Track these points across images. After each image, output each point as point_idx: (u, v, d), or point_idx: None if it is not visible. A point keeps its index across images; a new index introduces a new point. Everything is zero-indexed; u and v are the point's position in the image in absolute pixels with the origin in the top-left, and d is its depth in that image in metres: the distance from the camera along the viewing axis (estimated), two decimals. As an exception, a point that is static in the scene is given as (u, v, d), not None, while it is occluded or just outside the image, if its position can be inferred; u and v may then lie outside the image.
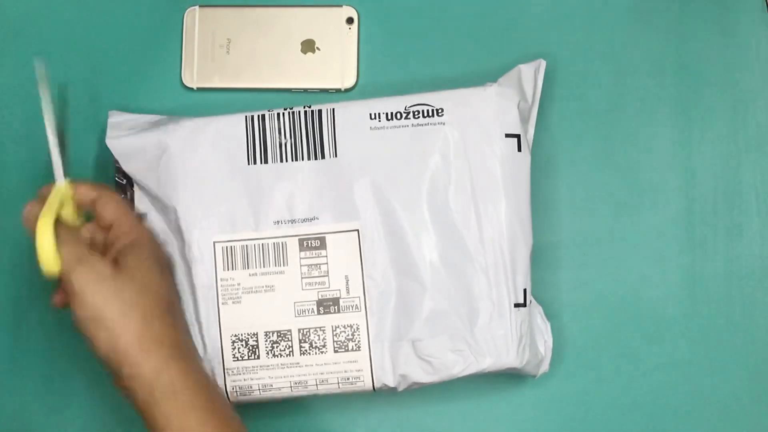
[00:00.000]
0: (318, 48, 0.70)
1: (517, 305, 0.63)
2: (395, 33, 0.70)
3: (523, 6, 0.70)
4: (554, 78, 0.69)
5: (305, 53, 0.70)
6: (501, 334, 0.62)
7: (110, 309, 0.57)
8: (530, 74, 0.66)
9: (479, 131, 0.64)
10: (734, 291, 0.68)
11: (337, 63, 0.70)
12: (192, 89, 0.70)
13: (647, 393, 0.67)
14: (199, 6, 0.70)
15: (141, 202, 0.66)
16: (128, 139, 0.65)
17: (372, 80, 0.70)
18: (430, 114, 0.64)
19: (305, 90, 0.70)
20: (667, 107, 0.69)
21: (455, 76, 0.70)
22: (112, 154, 0.65)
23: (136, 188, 0.66)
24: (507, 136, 0.64)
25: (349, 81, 0.70)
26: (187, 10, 0.70)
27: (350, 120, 0.64)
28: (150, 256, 0.60)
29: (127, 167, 0.65)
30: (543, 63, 0.66)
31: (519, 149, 0.64)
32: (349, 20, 0.70)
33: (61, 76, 0.70)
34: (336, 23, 0.70)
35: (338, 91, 0.70)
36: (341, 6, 0.70)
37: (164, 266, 0.62)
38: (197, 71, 0.70)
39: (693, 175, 0.69)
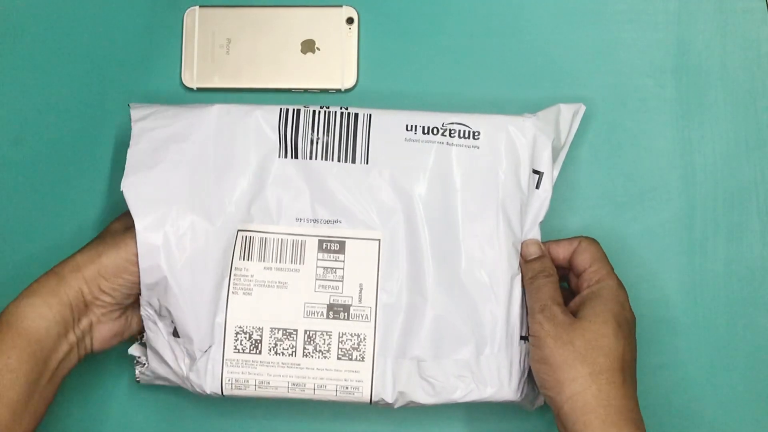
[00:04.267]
0: (318, 48, 0.70)
1: (522, 338, 0.63)
2: (395, 33, 0.70)
3: (520, 7, 0.70)
4: (553, 78, 0.69)
5: (305, 53, 0.70)
6: (505, 365, 0.62)
7: (559, 355, 0.58)
8: (568, 115, 0.65)
9: (511, 161, 0.63)
10: (734, 291, 0.68)
11: (337, 63, 0.70)
12: (192, 89, 0.70)
13: (647, 393, 0.67)
14: (199, 6, 0.70)
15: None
16: (155, 124, 0.63)
17: (372, 80, 0.70)
18: (466, 135, 0.64)
19: (305, 90, 0.70)
20: (667, 107, 0.69)
21: (455, 76, 0.70)
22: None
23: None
24: (535, 171, 0.64)
25: (349, 81, 0.70)
26: (187, 11, 0.70)
27: (386, 128, 0.64)
28: (606, 310, 0.60)
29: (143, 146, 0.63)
30: (582, 107, 0.66)
31: (537, 186, 0.64)
32: (349, 20, 0.70)
33: (61, 76, 0.70)
34: (336, 23, 0.70)
35: (338, 91, 0.70)
36: (341, 6, 0.70)
37: (621, 322, 0.60)
38: (197, 71, 0.70)
39: (693, 175, 0.69)
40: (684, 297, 0.68)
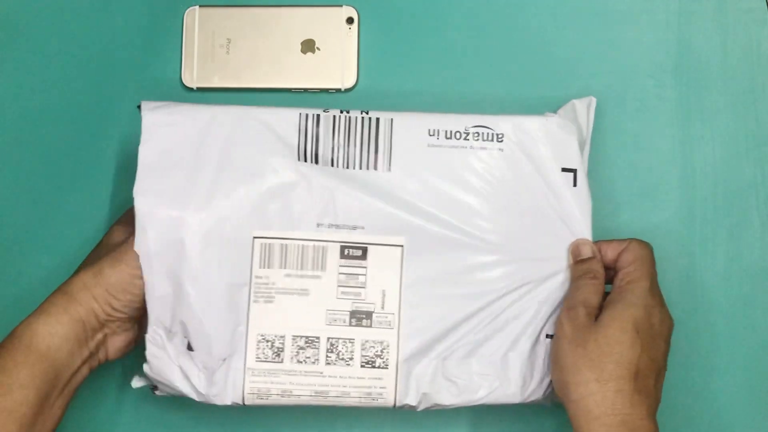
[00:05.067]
0: (318, 48, 0.70)
1: (548, 336, 0.62)
2: (395, 33, 0.70)
3: (521, 7, 0.70)
4: (553, 77, 0.69)
5: (305, 53, 0.70)
6: (529, 363, 0.62)
7: (570, 357, 0.58)
8: (583, 110, 0.65)
9: (537, 162, 0.63)
10: (734, 291, 0.68)
11: (337, 63, 0.70)
12: (192, 89, 0.70)
13: (647, 393, 0.67)
14: (199, 6, 0.70)
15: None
16: (165, 118, 0.62)
17: (372, 80, 0.70)
18: (490, 138, 0.63)
19: (305, 90, 0.70)
20: (667, 107, 0.69)
21: (456, 75, 0.70)
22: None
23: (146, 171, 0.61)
24: (563, 170, 0.63)
25: (349, 81, 0.70)
26: (187, 10, 0.70)
27: (408, 134, 0.63)
28: (627, 315, 0.58)
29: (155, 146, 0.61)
30: (593, 100, 0.65)
31: (575, 184, 0.63)
32: (349, 20, 0.70)
33: (60, 76, 0.70)
34: (336, 23, 0.70)
35: (338, 91, 0.70)
36: (341, 6, 0.70)
37: (641, 329, 0.58)
38: (197, 71, 0.70)
39: (693, 174, 0.69)
40: (684, 297, 0.68)
